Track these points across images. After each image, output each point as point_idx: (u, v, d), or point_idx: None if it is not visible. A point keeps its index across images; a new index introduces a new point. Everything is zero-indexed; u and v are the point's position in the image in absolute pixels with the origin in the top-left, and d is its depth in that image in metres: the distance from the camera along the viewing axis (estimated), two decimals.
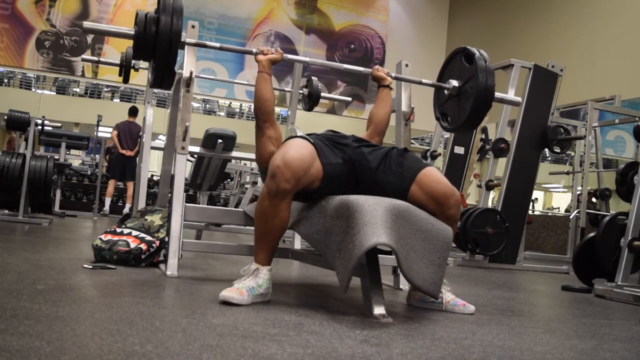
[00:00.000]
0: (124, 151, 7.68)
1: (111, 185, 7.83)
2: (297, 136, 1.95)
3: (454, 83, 2.32)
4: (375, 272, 1.70)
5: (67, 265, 2.28)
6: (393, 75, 2.38)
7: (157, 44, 1.99)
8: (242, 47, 2.41)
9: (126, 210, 7.90)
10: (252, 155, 3.07)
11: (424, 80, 2.44)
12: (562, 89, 4.92)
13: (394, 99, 2.70)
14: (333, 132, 2.08)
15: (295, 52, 12.43)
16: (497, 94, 2.34)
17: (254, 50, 2.13)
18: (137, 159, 7.16)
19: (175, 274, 2.17)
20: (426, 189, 1.81)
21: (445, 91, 2.35)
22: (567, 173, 7.36)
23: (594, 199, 7.25)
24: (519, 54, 6.49)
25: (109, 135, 8.09)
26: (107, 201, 7.89)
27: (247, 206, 2.36)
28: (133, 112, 7.90)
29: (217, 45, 2.29)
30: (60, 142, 7.33)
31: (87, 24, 2.14)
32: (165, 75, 2.12)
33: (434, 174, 1.85)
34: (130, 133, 7.76)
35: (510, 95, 2.66)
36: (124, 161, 7.74)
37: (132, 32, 2.05)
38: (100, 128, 7.94)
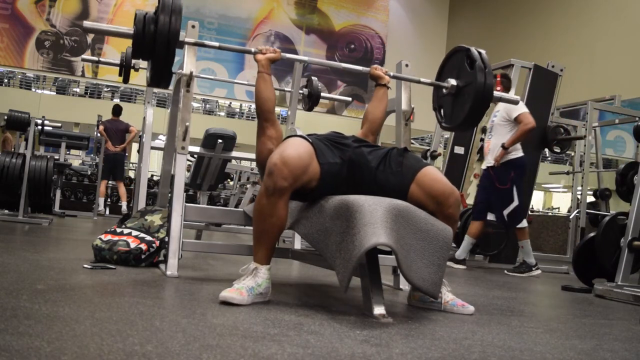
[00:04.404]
0: (108, 145, 7.69)
1: (102, 185, 7.86)
2: (296, 135, 1.96)
3: (453, 82, 2.30)
4: (375, 272, 1.70)
5: (67, 265, 2.28)
6: (391, 74, 2.37)
7: (155, 43, 1.99)
8: (241, 47, 2.41)
9: (124, 207, 7.97)
10: (252, 155, 3.08)
11: (422, 79, 2.42)
12: (562, 89, 4.92)
13: (393, 98, 2.70)
14: (335, 133, 2.09)
15: (295, 52, 12.43)
16: (496, 93, 2.33)
17: (253, 50, 2.13)
18: (130, 157, 7.11)
19: (175, 274, 2.16)
20: (426, 188, 1.82)
21: (444, 90, 2.34)
22: (567, 173, 7.36)
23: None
24: (519, 54, 6.49)
25: None
26: (101, 201, 7.92)
27: (247, 206, 2.36)
28: (117, 111, 7.96)
29: (216, 44, 2.29)
30: (60, 142, 7.32)
31: (87, 23, 2.14)
32: (163, 74, 2.12)
33: (433, 173, 1.86)
34: (116, 130, 7.82)
35: (508, 95, 2.64)
36: (113, 160, 7.77)
37: (131, 32, 2.06)
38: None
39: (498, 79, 4.38)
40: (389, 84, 2.32)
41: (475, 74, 2.18)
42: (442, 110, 2.42)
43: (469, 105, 2.21)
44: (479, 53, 2.22)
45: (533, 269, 3.95)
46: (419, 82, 2.46)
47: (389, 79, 2.31)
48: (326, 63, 2.67)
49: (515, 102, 2.68)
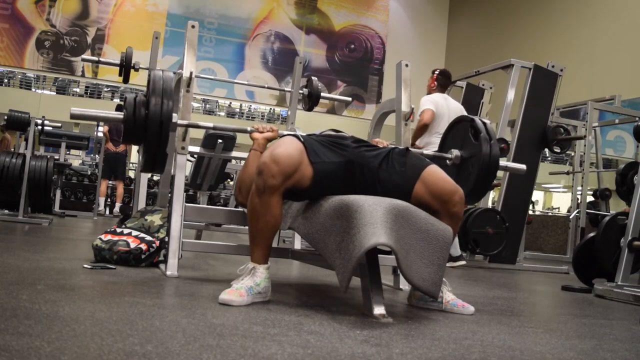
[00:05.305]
0: (109, 145, 7.70)
1: (103, 184, 7.89)
2: (288, 134, 1.96)
3: (457, 153, 2.24)
4: (375, 272, 1.70)
5: (67, 265, 2.28)
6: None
7: (147, 126, 1.93)
8: (235, 126, 2.38)
9: (116, 208, 8.01)
10: None
11: (424, 151, 2.34)
12: (562, 89, 4.92)
13: (393, 98, 2.70)
14: (334, 131, 2.08)
15: (295, 52, 12.44)
16: (502, 163, 2.28)
17: (249, 129, 2.10)
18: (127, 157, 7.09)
19: (175, 274, 2.17)
20: (431, 187, 1.83)
21: (448, 161, 2.27)
22: (567, 173, 7.36)
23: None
24: (519, 54, 6.49)
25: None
26: (101, 201, 7.95)
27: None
28: (119, 111, 7.97)
29: (211, 125, 2.28)
30: (60, 142, 7.32)
31: (74, 110, 2.03)
32: (156, 159, 2.04)
33: (438, 172, 1.87)
34: (118, 130, 7.85)
35: (514, 165, 2.55)
36: (114, 160, 7.80)
37: (122, 116, 1.99)
38: (100, 128, 7.95)
39: (434, 75, 4.38)
40: None
41: (480, 145, 2.13)
42: None
43: (474, 177, 2.15)
44: (484, 123, 2.18)
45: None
46: (421, 154, 2.40)
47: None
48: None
49: (522, 172, 2.60)
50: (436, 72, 4.39)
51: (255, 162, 1.99)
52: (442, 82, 4.35)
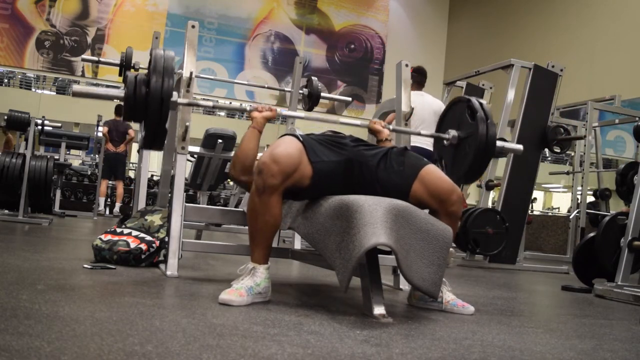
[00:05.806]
0: (109, 145, 7.71)
1: (103, 184, 7.90)
2: (287, 134, 1.96)
3: (454, 133, 2.25)
4: (375, 272, 1.70)
5: (67, 265, 2.28)
6: (391, 127, 2.30)
7: (148, 104, 1.95)
8: (235, 105, 2.40)
9: (116, 208, 8.01)
10: None
11: (422, 132, 2.35)
12: (562, 89, 4.92)
13: (393, 98, 2.70)
14: (333, 133, 2.09)
15: (295, 52, 12.44)
16: (499, 143, 2.28)
17: (248, 108, 2.12)
18: (126, 157, 7.08)
19: (175, 274, 2.17)
20: (429, 186, 1.83)
21: (445, 141, 2.28)
22: (567, 173, 7.37)
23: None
24: (519, 54, 6.49)
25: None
26: (101, 201, 7.96)
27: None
28: (119, 111, 7.98)
29: (210, 104, 2.29)
30: (60, 142, 7.32)
31: (76, 87, 2.06)
32: (156, 135, 2.07)
33: (436, 172, 1.87)
34: (117, 131, 7.86)
35: (511, 144, 2.55)
36: (114, 160, 7.81)
37: (122, 94, 2.01)
38: (100, 128, 7.95)
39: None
40: (389, 137, 2.26)
41: (476, 125, 2.14)
42: (443, 162, 2.36)
43: (471, 157, 2.15)
44: (480, 104, 2.19)
45: None
46: (419, 134, 2.40)
47: (387, 132, 2.25)
48: (323, 118, 2.54)
49: (519, 152, 2.59)
50: (410, 71, 4.36)
51: (252, 139, 2.02)
52: (418, 79, 4.30)
